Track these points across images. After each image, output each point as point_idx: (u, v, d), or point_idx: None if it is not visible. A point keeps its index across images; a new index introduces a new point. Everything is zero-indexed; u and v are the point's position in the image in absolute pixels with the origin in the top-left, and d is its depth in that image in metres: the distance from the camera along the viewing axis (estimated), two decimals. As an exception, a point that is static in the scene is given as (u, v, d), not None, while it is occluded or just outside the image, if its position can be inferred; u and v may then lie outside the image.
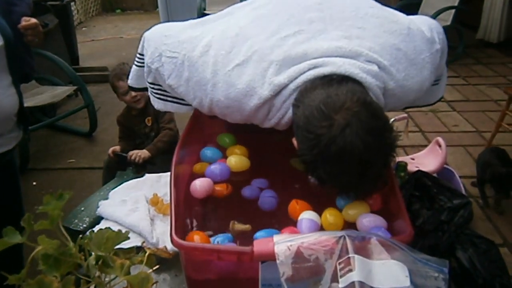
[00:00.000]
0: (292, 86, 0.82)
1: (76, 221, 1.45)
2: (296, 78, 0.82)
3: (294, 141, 0.80)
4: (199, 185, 0.94)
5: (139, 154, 2.02)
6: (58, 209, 0.65)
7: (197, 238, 0.80)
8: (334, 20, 0.88)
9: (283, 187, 0.99)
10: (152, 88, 1.08)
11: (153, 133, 2.20)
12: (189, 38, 0.94)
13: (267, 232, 0.84)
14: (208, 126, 1.16)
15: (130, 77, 1.15)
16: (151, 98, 1.12)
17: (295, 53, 0.83)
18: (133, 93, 2.09)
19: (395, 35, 0.87)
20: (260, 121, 0.91)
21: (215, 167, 1.00)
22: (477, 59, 4.59)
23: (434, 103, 1.12)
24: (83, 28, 6.76)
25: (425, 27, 0.93)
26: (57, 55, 3.35)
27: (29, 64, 1.51)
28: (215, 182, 0.98)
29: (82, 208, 1.52)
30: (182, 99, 1.04)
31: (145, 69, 1.05)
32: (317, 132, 0.72)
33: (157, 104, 1.10)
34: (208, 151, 1.08)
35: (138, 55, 1.09)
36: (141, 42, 1.04)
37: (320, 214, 0.86)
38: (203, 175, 1.00)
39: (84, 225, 1.40)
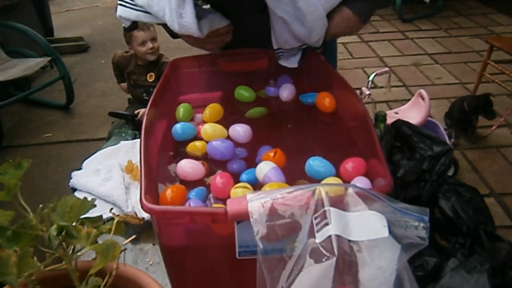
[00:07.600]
0: None
1: None
2: None
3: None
4: (192, 167, 0.86)
5: None
6: (16, 179, 0.59)
7: (169, 192, 0.77)
8: None
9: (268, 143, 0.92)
10: None
11: (152, 89, 2.21)
12: None
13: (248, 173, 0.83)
14: (180, 84, 1.11)
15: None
16: (118, 8, 1.04)
17: None
18: (151, 45, 2.20)
19: None
20: None
21: (218, 144, 0.89)
22: (458, 11, 4.53)
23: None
24: (57, -2, 6.51)
25: None
26: (29, 27, 3.22)
27: None
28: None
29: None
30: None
31: None
32: None
33: (121, 11, 1.03)
34: (178, 126, 0.95)
35: None
36: None
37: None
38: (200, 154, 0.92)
39: None
